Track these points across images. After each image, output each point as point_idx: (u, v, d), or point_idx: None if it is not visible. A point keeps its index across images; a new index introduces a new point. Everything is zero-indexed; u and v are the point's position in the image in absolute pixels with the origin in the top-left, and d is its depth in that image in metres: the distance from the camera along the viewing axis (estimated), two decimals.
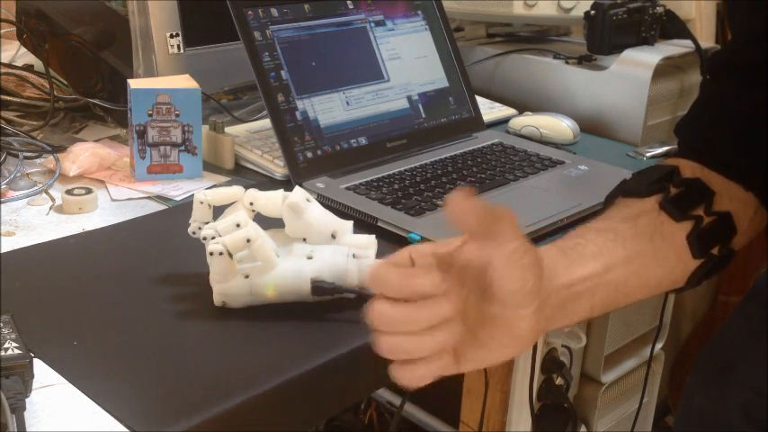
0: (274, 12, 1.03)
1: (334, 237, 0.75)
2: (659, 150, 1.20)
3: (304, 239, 0.75)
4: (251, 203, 0.76)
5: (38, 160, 1.04)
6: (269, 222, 0.76)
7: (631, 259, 0.65)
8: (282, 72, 1.01)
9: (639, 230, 0.67)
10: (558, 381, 1.23)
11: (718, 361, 0.82)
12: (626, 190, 0.72)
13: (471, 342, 0.57)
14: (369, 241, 0.76)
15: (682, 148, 0.75)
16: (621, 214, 0.69)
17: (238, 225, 0.72)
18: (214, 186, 0.95)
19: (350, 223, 0.77)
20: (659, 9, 1.34)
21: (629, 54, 1.28)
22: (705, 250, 0.68)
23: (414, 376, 0.55)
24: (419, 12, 1.19)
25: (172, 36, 1.12)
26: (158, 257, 0.82)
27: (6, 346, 0.60)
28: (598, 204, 0.80)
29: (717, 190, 0.70)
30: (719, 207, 0.69)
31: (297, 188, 0.76)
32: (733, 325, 0.84)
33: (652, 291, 0.69)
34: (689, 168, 0.71)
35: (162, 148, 1.00)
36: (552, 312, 0.60)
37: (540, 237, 0.89)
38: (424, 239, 0.85)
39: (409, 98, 1.14)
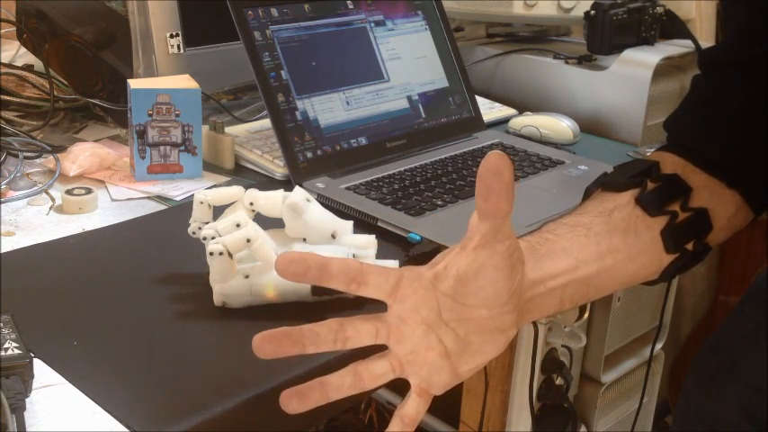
0: (274, 12, 1.03)
1: (334, 237, 0.75)
2: None
3: (304, 239, 0.75)
4: (251, 203, 0.76)
5: (38, 160, 1.04)
6: (269, 222, 0.76)
7: (603, 255, 0.66)
8: (282, 72, 1.01)
9: (613, 225, 0.67)
10: (558, 381, 1.23)
11: (718, 360, 0.82)
12: (604, 183, 0.72)
13: (465, 350, 0.58)
14: (369, 241, 0.76)
15: (670, 142, 0.75)
16: (597, 208, 0.69)
17: (238, 225, 0.72)
18: (214, 186, 0.95)
19: (350, 223, 0.77)
20: (659, 9, 1.34)
21: (629, 54, 1.28)
22: (679, 246, 0.68)
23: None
24: (419, 12, 1.19)
25: (172, 36, 1.12)
26: (158, 257, 0.82)
27: (6, 346, 0.60)
28: None
29: (696, 186, 0.69)
30: (697, 203, 0.69)
31: (297, 188, 0.76)
32: (732, 324, 0.84)
33: (624, 285, 0.69)
34: (670, 163, 0.71)
35: (162, 148, 1.00)
36: (524, 306, 0.61)
37: None
38: (423, 239, 0.85)
39: (409, 98, 1.14)
